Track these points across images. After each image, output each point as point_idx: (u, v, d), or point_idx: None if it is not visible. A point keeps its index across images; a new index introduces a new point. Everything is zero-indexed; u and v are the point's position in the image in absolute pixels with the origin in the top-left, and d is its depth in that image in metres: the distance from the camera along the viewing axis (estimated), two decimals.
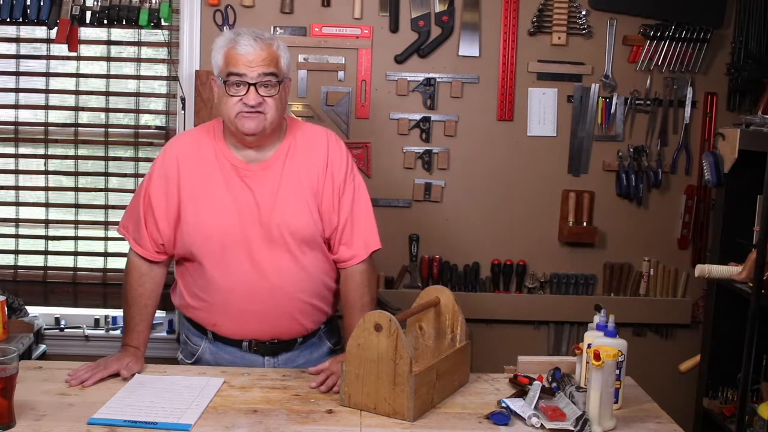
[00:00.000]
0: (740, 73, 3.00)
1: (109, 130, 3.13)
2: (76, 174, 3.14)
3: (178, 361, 2.22)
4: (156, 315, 2.17)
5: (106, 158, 3.13)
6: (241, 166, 2.01)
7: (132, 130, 3.15)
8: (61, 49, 2.98)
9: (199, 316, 2.12)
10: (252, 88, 1.92)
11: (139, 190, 2.08)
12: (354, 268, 2.05)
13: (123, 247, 3.19)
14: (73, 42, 2.93)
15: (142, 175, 3.11)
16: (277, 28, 3.00)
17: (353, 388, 1.75)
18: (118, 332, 3.15)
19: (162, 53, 3.10)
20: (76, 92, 3.11)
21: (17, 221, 3.18)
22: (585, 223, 3.10)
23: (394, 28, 3.02)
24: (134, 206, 2.07)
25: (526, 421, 1.70)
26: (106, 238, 3.17)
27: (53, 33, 2.93)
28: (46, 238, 3.18)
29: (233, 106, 1.93)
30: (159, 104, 3.15)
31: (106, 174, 3.14)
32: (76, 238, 3.19)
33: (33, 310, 3.10)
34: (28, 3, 2.88)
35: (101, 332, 3.18)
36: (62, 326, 3.18)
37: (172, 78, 3.07)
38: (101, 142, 3.13)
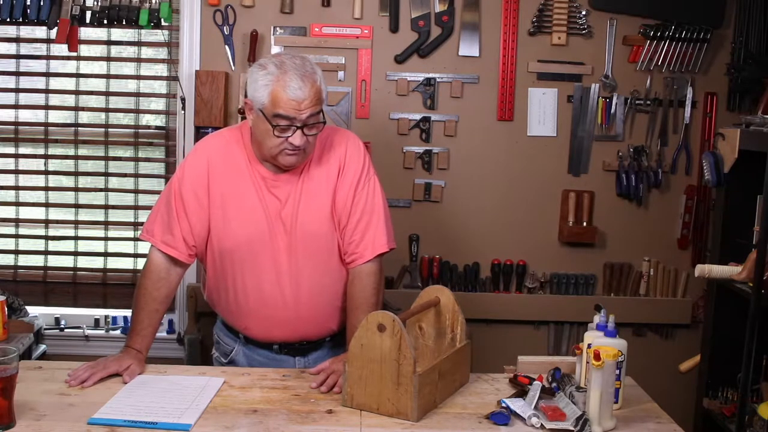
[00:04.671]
0: (740, 73, 2.99)
1: (109, 130, 3.13)
2: (76, 174, 3.14)
3: (213, 359, 2.26)
4: None
5: (106, 158, 3.13)
6: (269, 176, 2.02)
7: (132, 130, 3.15)
8: (61, 49, 2.98)
9: (230, 319, 2.16)
10: (299, 131, 1.90)
11: (166, 192, 2.07)
12: (361, 268, 2.05)
13: (123, 247, 3.20)
14: (73, 42, 2.93)
15: (143, 175, 3.14)
16: (277, 28, 3.00)
17: (356, 388, 1.75)
18: (118, 332, 3.16)
19: (162, 53, 3.10)
20: (76, 92, 3.11)
21: (17, 221, 3.18)
22: (585, 223, 3.10)
23: (394, 28, 3.02)
24: (163, 208, 2.05)
25: (526, 421, 1.70)
26: (106, 238, 3.18)
27: (53, 33, 2.94)
28: (46, 238, 3.18)
29: (278, 145, 1.92)
30: (159, 104, 3.15)
31: (106, 174, 3.14)
32: (76, 238, 3.19)
33: (33, 310, 3.10)
34: (28, 3, 2.89)
35: (101, 332, 3.18)
36: (62, 326, 3.17)
37: (172, 78, 3.07)
38: (101, 142, 3.13)
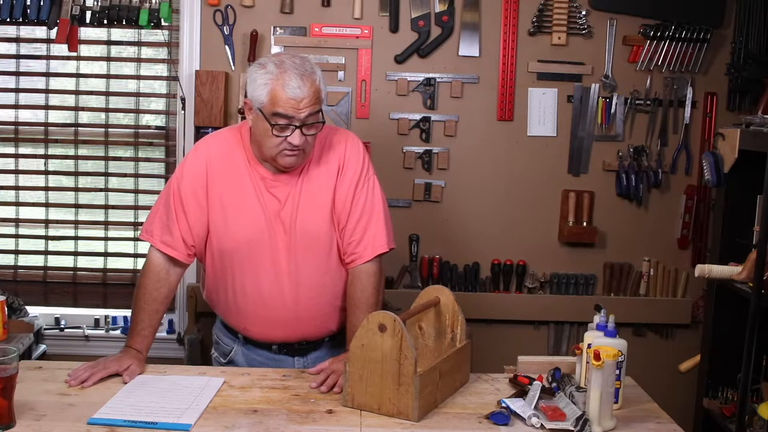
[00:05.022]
0: (740, 73, 2.99)
1: (109, 130, 3.13)
2: (76, 174, 3.14)
3: (212, 359, 2.27)
4: None
5: (106, 158, 3.13)
6: (268, 176, 2.02)
7: (132, 130, 3.15)
8: (61, 49, 2.98)
9: (229, 320, 2.16)
10: (298, 130, 1.90)
11: (165, 193, 2.07)
12: (361, 269, 2.05)
13: (123, 247, 3.20)
14: (73, 42, 2.93)
15: (143, 175, 3.14)
16: (277, 28, 3.00)
17: (357, 388, 1.75)
18: (118, 332, 3.16)
19: (162, 53, 3.10)
20: (76, 92, 3.11)
21: (17, 221, 3.18)
22: (585, 223, 3.10)
23: (394, 28, 3.02)
24: (162, 208, 2.06)
25: (526, 421, 1.70)
26: (106, 238, 3.17)
27: (53, 33, 2.94)
28: (46, 238, 3.18)
29: (277, 145, 1.92)
30: (159, 104, 3.15)
31: (106, 174, 3.14)
32: (76, 238, 3.18)
33: (33, 310, 3.09)
34: (28, 3, 2.88)
35: (101, 332, 3.18)
36: (62, 326, 3.17)
37: (172, 78, 3.07)
38: (101, 142, 3.13)
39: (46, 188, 3.15)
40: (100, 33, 3.08)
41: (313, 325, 2.10)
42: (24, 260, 3.20)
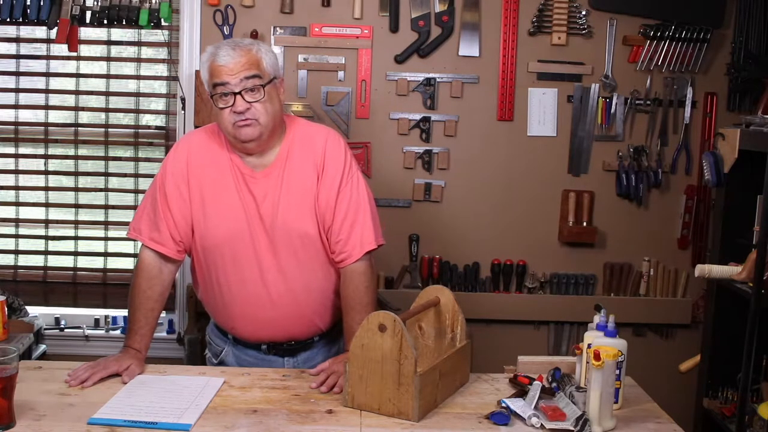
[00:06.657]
0: (740, 73, 3.00)
1: (109, 130, 3.13)
2: (76, 174, 3.14)
3: (206, 359, 2.27)
4: None
5: (106, 158, 3.13)
6: (247, 172, 2.02)
7: (132, 130, 3.15)
8: (61, 49, 2.99)
9: (218, 319, 2.16)
10: (238, 97, 1.92)
11: (151, 190, 2.07)
12: (352, 267, 2.03)
13: (123, 247, 3.20)
14: (73, 42, 2.93)
15: (143, 175, 3.14)
16: (277, 28, 3.00)
17: (357, 389, 1.75)
18: (118, 332, 3.16)
19: (162, 53, 3.10)
20: (76, 92, 3.11)
21: (17, 221, 3.18)
22: (585, 223, 3.10)
23: (394, 28, 3.02)
24: (149, 206, 2.06)
25: (526, 421, 1.70)
26: (106, 238, 3.18)
27: (53, 33, 2.94)
28: (46, 238, 3.18)
29: (227, 118, 1.94)
30: (159, 104, 3.16)
31: (106, 174, 3.14)
32: (76, 238, 3.19)
33: (33, 310, 3.10)
34: (28, 3, 2.89)
35: (101, 332, 3.18)
36: (62, 326, 3.18)
37: (172, 78, 3.07)
38: (101, 142, 3.13)
39: (46, 188, 3.15)
40: (100, 33, 3.08)
41: (300, 324, 2.09)
42: (24, 260, 3.20)
